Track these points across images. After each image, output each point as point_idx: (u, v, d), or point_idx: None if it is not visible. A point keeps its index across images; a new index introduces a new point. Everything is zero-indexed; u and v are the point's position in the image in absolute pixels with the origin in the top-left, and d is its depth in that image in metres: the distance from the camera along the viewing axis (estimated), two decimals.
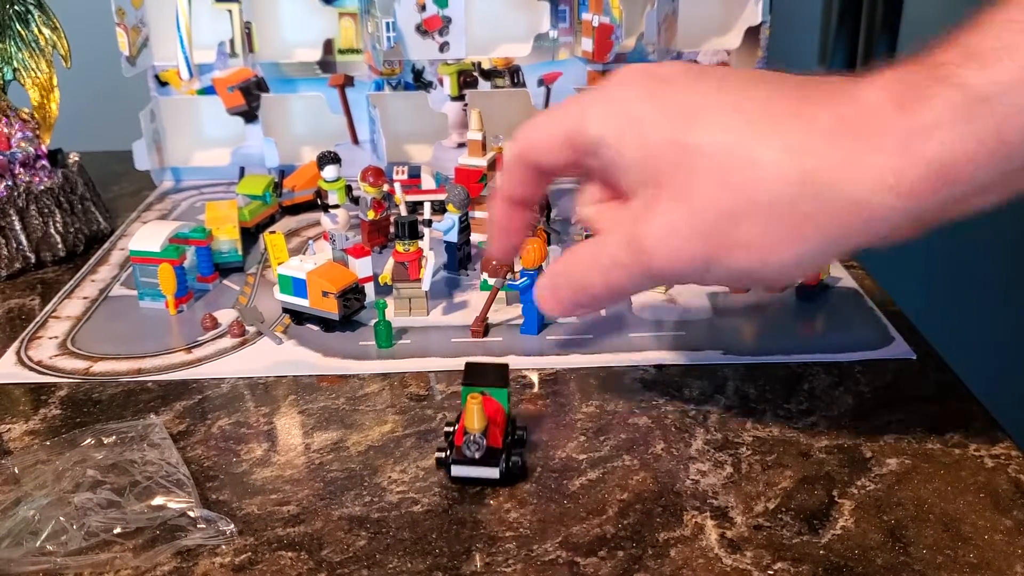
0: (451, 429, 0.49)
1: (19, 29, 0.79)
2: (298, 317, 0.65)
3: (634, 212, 0.42)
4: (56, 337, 0.65)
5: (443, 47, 0.90)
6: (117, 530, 0.45)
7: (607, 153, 0.43)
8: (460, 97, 0.93)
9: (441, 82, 0.92)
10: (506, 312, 0.66)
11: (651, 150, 0.41)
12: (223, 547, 0.44)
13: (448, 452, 0.48)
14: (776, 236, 0.39)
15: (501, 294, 0.65)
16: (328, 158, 0.75)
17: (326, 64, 0.92)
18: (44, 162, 0.78)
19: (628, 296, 0.47)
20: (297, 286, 0.64)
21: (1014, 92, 0.35)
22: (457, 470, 0.47)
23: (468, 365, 0.49)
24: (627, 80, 0.43)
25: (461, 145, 0.92)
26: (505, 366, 0.50)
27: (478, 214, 0.77)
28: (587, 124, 0.43)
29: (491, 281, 0.64)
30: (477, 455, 0.47)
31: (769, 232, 0.39)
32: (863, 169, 0.36)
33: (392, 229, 0.73)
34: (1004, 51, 0.35)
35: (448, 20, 0.88)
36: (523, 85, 0.93)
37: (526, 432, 0.51)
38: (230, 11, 0.89)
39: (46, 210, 0.77)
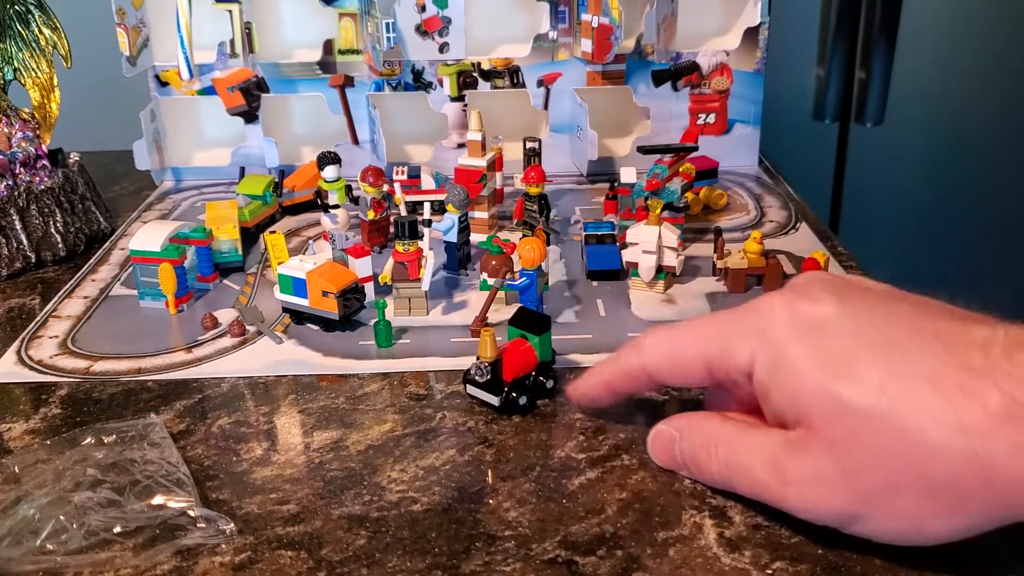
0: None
1: (20, 29, 0.79)
2: (298, 317, 0.65)
3: (783, 439, 0.42)
4: (56, 336, 0.65)
5: (443, 48, 0.90)
6: (117, 529, 0.45)
7: (755, 387, 0.43)
8: (460, 98, 0.93)
9: (441, 83, 0.92)
10: (506, 312, 0.66)
11: (804, 397, 0.41)
12: (223, 546, 0.44)
13: (472, 372, 0.54)
14: (935, 510, 0.39)
15: (500, 294, 0.66)
16: (328, 158, 0.75)
17: (326, 64, 0.92)
18: (45, 162, 0.78)
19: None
20: (297, 286, 0.64)
21: None
22: (470, 389, 0.55)
23: (520, 309, 0.56)
24: (777, 316, 0.43)
25: (461, 145, 0.92)
26: (547, 318, 0.54)
27: (478, 214, 0.77)
28: (734, 357, 0.43)
29: (491, 281, 0.64)
30: (480, 380, 0.53)
31: (928, 506, 0.39)
32: None
33: (392, 229, 0.73)
34: None
35: (448, 21, 0.89)
36: (523, 86, 0.93)
37: (555, 383, 0.55)
38: (230, 11, 0.89)
39: (47, 210, 0.77)
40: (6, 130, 0.77)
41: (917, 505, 0.39)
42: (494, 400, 0.53)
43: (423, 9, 0.88)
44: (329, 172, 0.75)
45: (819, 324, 0.42)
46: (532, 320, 0.54)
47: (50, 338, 0.65)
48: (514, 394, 0.53)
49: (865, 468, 0.39)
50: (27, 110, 0.80)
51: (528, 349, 0.54)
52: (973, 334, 0.39)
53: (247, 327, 0.65)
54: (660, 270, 0.69)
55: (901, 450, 0.38)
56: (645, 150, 0.79)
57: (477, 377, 0.54)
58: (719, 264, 0.70)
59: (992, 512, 0.38)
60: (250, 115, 0.93)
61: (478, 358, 0.54)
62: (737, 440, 0.45)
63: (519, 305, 0.53)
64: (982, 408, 0.37)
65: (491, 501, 0.47)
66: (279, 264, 0.65)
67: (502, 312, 0.66)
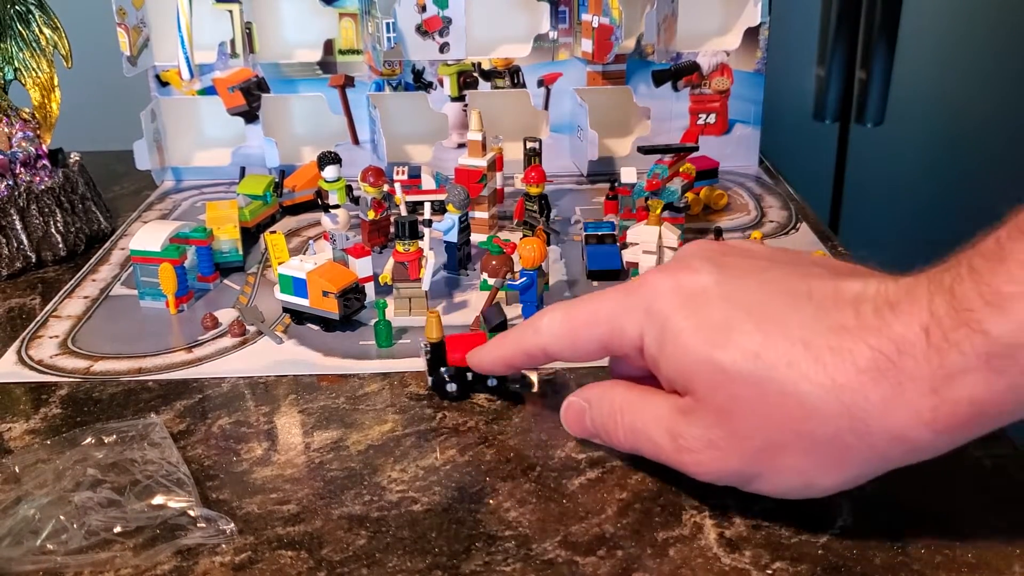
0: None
1: (20, 29, 0.79)
2: (298, 317, 0.65)
3: (676, 406, 0.44)
4: (57, 336, 0.65)
5: (443, 48, 0.90)
6: (117, 529, 0.45)
7: (646, 357, 0.45)
8: (460, 98, 0.93)
9: (441, 83, 0.92)
10: (506, 312, 0.66)
11: (689, 366, 0.42)
12: (223, 546, 0.44)
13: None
14: (819, 464, 0.41)
15: (501, 294, 0.66)
16: (328, 158, 0.75)
17: (326, 64, 0.92)
18: (45, 162, 0.78)
19: None
20: (297, 286, 0.64)
21: None
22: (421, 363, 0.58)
23: (497, 305, 0.58)
24: (659, 290, 0.44)
25: (461, 145, 0.92)
26: (505, 319, 0.56)
27: (478, 214, 0.77)
28: (626, 334, 0.45)
29: (491, 281, 0.64)
30: (424, 357, 0.56)
31: (813, 461, 0.41)
32: (901, 408, 0.38)
33: (392, 229, 0.73)
34: (1022, 296, 0.35)
35: (448, 21, 0.89)
36: (523, 86, 0.93)
37: (500, 383, 0.56)
38: (231, 11, 0.89)
39: (47, 210, 0.77)
40: (6, 130, 0.77)
41: (802, 462, 0.41)
42: (429, 381, 0.56)
43: (423, 9, 0.88)
44: (329, 172, 0.75)
45: (698, 294, 0.43)
46: (494, 317, 0.56)
47: (50, 338, 0.65)
48: (445, 377, 0.55)
49: (750, 431, 0.41)
50: (27, 110, 0.80)
51: (480, 344, 0.54)
52: (845, 292, 0.40)
53: (247, 327, 0.65)
54: None
55: (780, 412, 0.40)
56: (645, 150, 0.79)
57: (422, 353, 0.56)
58: None
59: (872, 463, 0.40)
60: (250, 115, 0.93)
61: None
62: (638, 407, 0.46)
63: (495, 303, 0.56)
64: (852, 366, 0.38)
65: (491, 501, 0.47)
66: (279, 264, 0.65)
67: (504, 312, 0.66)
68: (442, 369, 0.55)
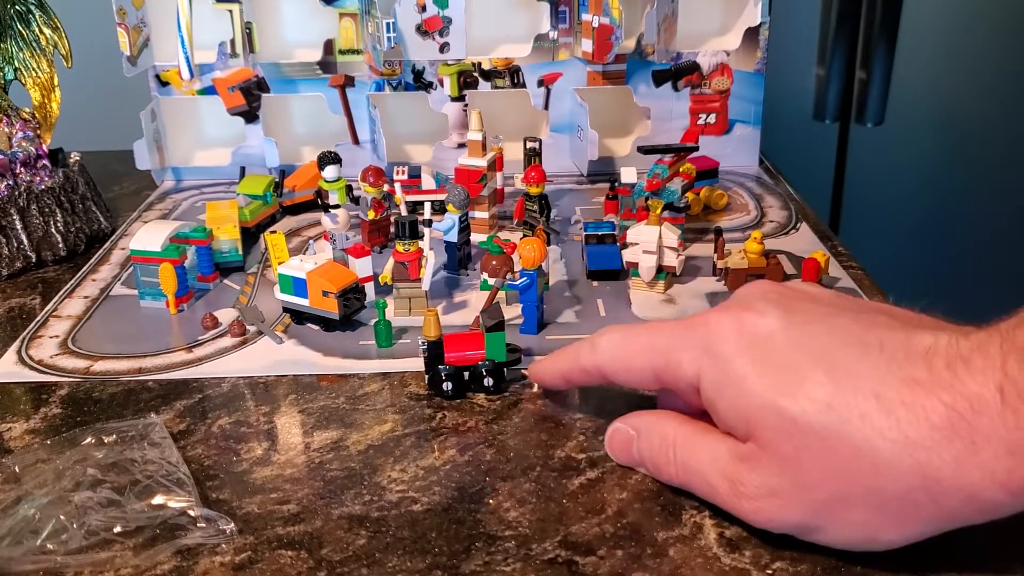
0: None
1: (20, 29, 0.79)
2: (298, 316, 0.65)
3: (736, 451, 0.43)
4: (57, 336, 0.65)
5: (443, 48, 0.90)
6: (117, 529, 0.45)
7: (703, 398, 0.44)
8: (460, 97, 0.93)
9: (441, 82, 0.92)
10: (506, 312, 0.66)
11: (752, 413, 0.41)
12: (223, 546, 0.44)
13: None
14: (886, 521, 0.40)
15: (501, 294, 0.66)
16: (328, 158, 0.75)
17: (326, 64, 0.92)
18: (45, 162, 0.78)
19: None
20: (297, 286, 0.64)
21: None
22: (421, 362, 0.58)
23: (496, 305, 0.58)
24: (723, 331, 0.43)
25: (461, 145, 0.92)
26: (503, 320, 0.56)
27: (478, 214, 0.77)
28: (682, 370, 0.44)
29: (491, 281, 0.64)
30: (421, 354, 0.56)
31: (880, 517, 0.40)
32: (975, 468, 0.37)
33: (392, 229, 0.73)
34: None
35: (448, 21, 0.89)
36: (523, 85, 0.93)
37: (498, 384, 0.56)
38: (231, 11, 0.89)
39: (47, 209, 0.77)
40: (7, 130, 0.77)
41: (868, 517, 0.40)
42: (426, 376, 0.57)
43: (423, 9, 0.88)
44: (329, 172, 0.75)
45: (764, 339, 0.42)
46: (492, 316, 0.56)
47: (50, 338, 0.65)
48: (442, 376, 0.55)
49: (816, 483, 0.40)
50: (27, 110, 0.80)
51: (476, 343, 0.56)
52: (916, 344, 0.39)
53: (247, 327, 0.65)
54: (660, 270, 0.69)
55: (850, 466, 0.39)
56: (645, 150, 0.79)
57: (420, 351, 0.57)
58: (719, 264, 0.70)
59: (940, 520, 0.39)
60: (250, 115, 0.93)
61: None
62: (693, 445, 0.45)
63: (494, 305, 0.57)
64: (926, 422, 0.37)
65: (491, 501, 0.47)
66: (279, 264, 0.65)
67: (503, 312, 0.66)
68: (439, 367, 0.55)
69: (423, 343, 0.56)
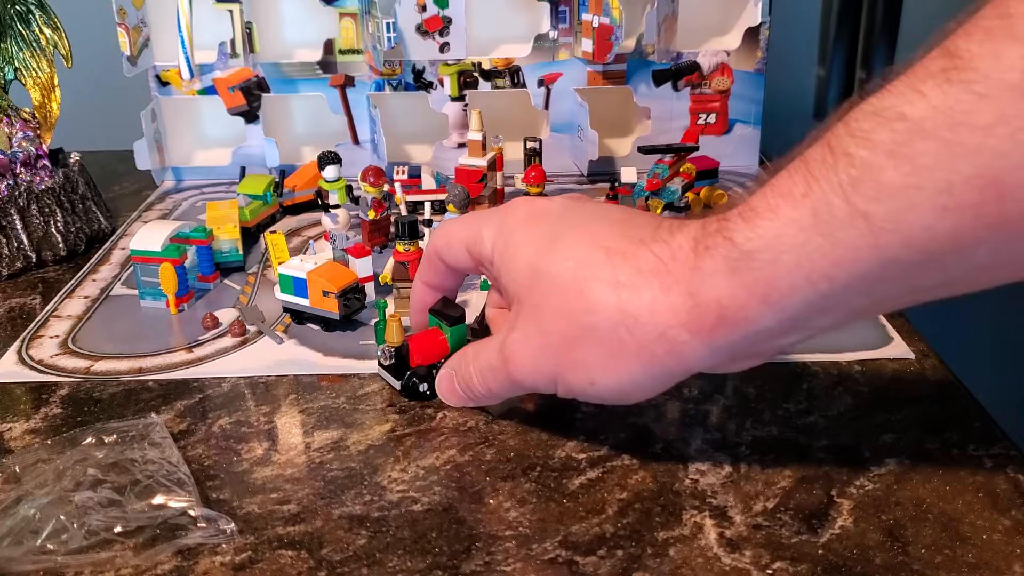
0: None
1: (20, 29, 0.79)
2: (298, 316, 0.65)
3: (509, 323, 0.48)
4: (57, 336, 0.65)
5: (443, 47, 0.90)
6: (118, 529, 0.45)
7: (492, 269, 0.50)
8: (460, 97, 0.93)
9: (441, 82, 0.92)
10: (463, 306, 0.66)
11: (518, 272, 0.47)
12: (223, 546, 0.44)
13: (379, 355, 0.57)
14: (601, 360, 0.44)
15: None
16: (329, 158, 0.75)
17: (327, 64, 0.92)
18: (45, 162, 0.78)
19: (504, 399, 0.53)
20: (298, 286, 0.64)
21: (772, 248, 0.38)
22: (379, 370, 0.58)
23: (443, 299, 0.57)
24: (515, 210, 0.50)
25: (461, 145, 0.92)
26: (462, 311, 0.56)
27: None
28: (483, 242, 0.50)
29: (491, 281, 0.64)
30: (384, 363, 0.56)
31: (596, 356, 0.44)
32: (665, 307, 0.42)
33: (392, 229, 0.73)
34: (769, 210, 0.39)
35: (448, 20, 0.89)
36: (523, 85, 0.93)
37: None
38: (231, 11, 0.89)
39: (47, 209, 0.77)
40: (7, 130, 0.77)
41: (587, 355, 0.44)
42: (396, 384, 0.56)
43: (424, 9, 0.88)
44: (330, 172, 0.75)
45: (542, 215, 0.49)
46: (450, 311, 0.56)
47: (51, 338, 0.65)
48: (415, 380, 0.55)
49: (552, 325, 0.45)
50: (28, 110, 0.80)
51: (439, 340, 0.56)
52: (655, 219, 0.45)
53: (248, 327, 0.65)
54: None
55: (574, 306, 0.44)
56: (646, 150, 0.79)
57: (382, 360, 0.56)
58: None
59: (644, 362, 0.43)
60: (251, 115, 0.93)
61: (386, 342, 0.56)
62: (483, 346, 0.51)
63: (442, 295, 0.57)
64: (635, 268, 0.43)
65: (491, 501, 0.47)
66: (279, 264, 0.65)
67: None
68: (408, 373, 0.55)
69: (387, 351, 0.56)
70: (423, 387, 0.55)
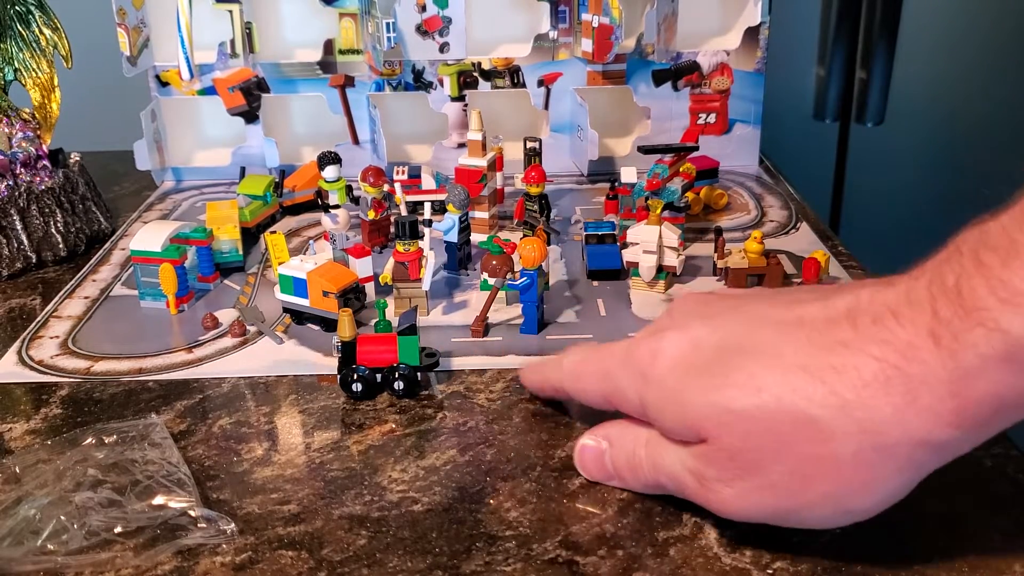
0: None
1: (20, 29, 0.79)
2: (299, 317, 0.65)
3: (692, 451, 0.42)
4: (57, 337, 0.65)
5: (443, 47, 0.90)
6: (118, 529, 0.45)
7: (646, 417, 0.45)
8: (460, 97, 0.93)
9: (441, 82, 0.92)
10: (506, 312, 0.66)
11: (694, 418, 0.41)
12: (224, 546, 0.44)
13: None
14: (850, 488, 0.39)
15: (501, 294, 0.66)
16: (328, 158, 0.75)
17: (326, 64, 0.92)
18: (45, 162, 0.78)
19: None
20: (298, 286, 0.64)
21: None
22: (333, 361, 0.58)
23: (410, 311, 0.58)
24: (653, 357, 0.44)
25: (461, 145, 0.92)
26: (413, 326, 0.56)
27: (478, 214, 0.77)
28: (627, 398, 0.45)
29: (491, 281, 0.64)
30: (334, 354, 0.57)
31: (841, 485, 0.39)
32: (918, 414, 0.37)
33: (392, 229, 0.73)
34: None
35: (448, 20, 0.89)
36: (523, 85, 0.93)
37: (408, 388, 0.56)
38: (231, 11, 0.89)
39: (47, 210, 0.77)
40: (7, 130, 0.77)
41: (830, 487, 0.39)
42: (337, 379, 0.57)
43: (423, 9, 0.88)
44: (329, 172, 0.75)
45: (690, 349, 0.43)
46: (407, 323, 0.56)
47: (51, 338, 0.65)
48: (352, 377, 0.55)
49: (767, 465, 0.40)
50: (28, 110, 0.80)
51: (390, 348, 0.56)
52: (836, 308, 0.40)
53: (248, 327, 0.65)
54: (661, 270, 0.69)
55: (794, 440, 0.39)
56: (645, 150, 0.79)
57: (334, 350, 0.57)
58: (720, 264, 0.70)
59: (905, 473, 0.39)
60: (250, 115, 0.93)
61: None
62: (662, 444, 0.45)
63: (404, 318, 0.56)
64: (859, 381, 0.37)
65: (491, 501, 0.47)
66: (280, 264, 0.66)
67: (503, 312, 0.66)
68: (352, 367, 0.56)
69: (337, 343, 0.56)
70: (356, 386, 0.56)
